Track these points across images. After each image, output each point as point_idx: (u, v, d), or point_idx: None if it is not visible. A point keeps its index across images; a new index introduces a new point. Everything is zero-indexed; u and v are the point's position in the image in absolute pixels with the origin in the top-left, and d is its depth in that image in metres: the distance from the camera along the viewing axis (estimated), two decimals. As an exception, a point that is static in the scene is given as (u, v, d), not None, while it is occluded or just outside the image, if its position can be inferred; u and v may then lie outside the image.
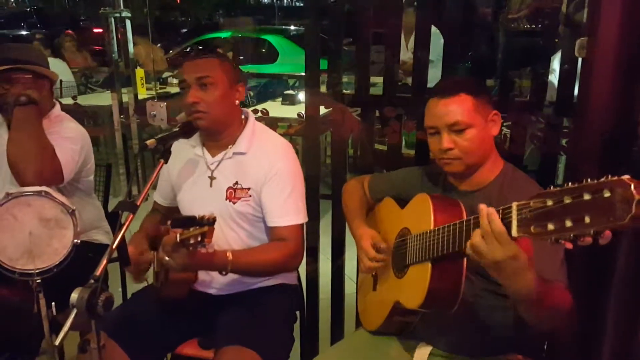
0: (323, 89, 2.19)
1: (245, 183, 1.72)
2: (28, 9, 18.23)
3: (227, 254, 1.56)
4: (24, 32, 12.43)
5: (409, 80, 2.15)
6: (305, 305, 2.11)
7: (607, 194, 0.86)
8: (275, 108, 4.66)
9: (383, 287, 1.62)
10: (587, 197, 0.89)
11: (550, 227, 0.94)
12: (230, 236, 1.74)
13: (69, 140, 1.98)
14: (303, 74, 2.17)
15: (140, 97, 4.55)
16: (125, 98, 3.57)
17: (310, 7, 2.11)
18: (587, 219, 0.88)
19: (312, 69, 2.14)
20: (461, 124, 1.42)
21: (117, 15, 3.33)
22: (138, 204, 1.35)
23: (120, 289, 2.43)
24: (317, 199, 2.23)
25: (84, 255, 1.72)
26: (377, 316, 1.61)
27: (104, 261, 1.24)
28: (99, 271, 1.21)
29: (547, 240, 0.96)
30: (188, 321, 1.75)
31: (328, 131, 3.46)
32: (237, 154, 1.74)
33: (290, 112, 4.45)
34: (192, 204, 1.78)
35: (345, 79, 2.24)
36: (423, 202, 1.43)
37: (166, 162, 1.49)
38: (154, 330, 1.68)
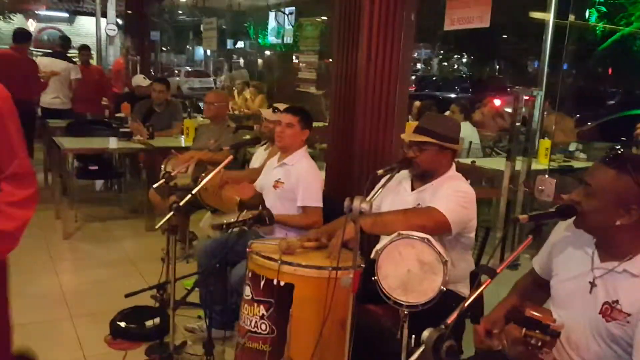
0: None
1: (627, 306, 1.52)
2: (464, 75, 20.68)
3: None
4: (452, 95, 14.11)
5: None
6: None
7: None
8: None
9: None
10: None
11: None
12: (594, 351, 1.57)
13: (460, 199, 2.23)
14: None
15: (541, 166, 4.57)
16: (518, 166, 3.71)
17: None
18: None
19: None
20: None
21: (530, 94, 3.58)
22: (498, 271, 1.44)
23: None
24: None
25: (447, 303, 1.90)
26: None
27: (456, 312, 1.38)
28: (450, 319, 1.35)
29: None
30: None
31: None
32: (627, 272, 1.55)
33: None
34: (565, 299, 1.67)
35: None
36: None
37: (534, 239, 1.52)
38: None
